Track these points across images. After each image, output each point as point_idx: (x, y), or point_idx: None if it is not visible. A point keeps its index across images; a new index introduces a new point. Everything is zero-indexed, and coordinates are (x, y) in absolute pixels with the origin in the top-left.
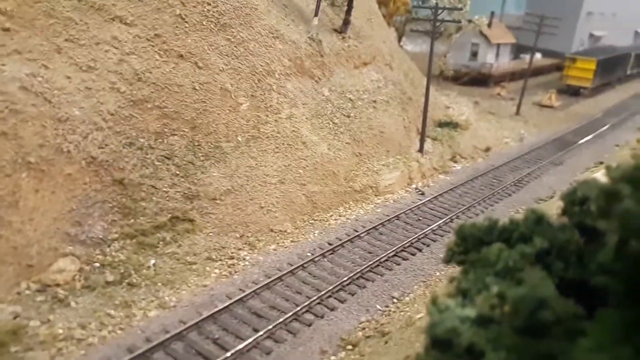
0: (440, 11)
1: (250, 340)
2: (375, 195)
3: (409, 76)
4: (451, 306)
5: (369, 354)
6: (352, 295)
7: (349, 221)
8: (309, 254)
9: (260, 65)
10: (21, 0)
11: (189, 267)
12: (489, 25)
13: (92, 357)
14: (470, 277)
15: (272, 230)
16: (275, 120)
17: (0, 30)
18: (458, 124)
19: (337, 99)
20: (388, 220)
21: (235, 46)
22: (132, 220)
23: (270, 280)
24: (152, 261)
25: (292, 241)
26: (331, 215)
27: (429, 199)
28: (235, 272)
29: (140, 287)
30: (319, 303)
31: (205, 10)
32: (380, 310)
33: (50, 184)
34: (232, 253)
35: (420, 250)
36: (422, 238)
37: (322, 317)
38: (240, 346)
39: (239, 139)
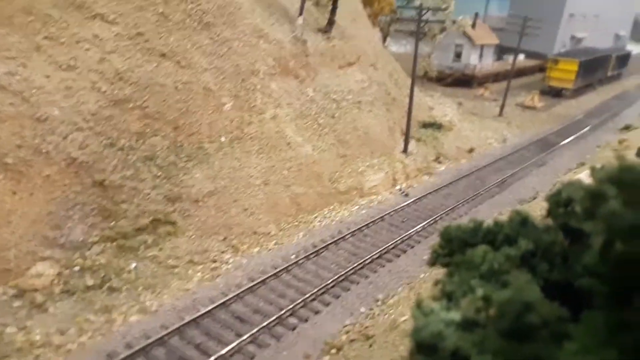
0: (424, 12)
1: (233, 345)
2: (360, 197)
3: (393, 77)
4: (436, 310)
5: (353, 357)
6: (337, 298)
7: (334, 223)
8: (293, 257)
9: (244, 65)
10: None
11: (170, 271)
12: (473, 26)
13: None
14: (455, 279)
15: (255, 233)
16: (260, 121)
17: None
18: (442, 124)
19: (321, 99)
20: (372, 221)
21: (218, 45)
22: (113, 223)
23: (253, 283)
24: (133, 265)
25: (276, 243)
26: (316, 217)
27: (413, 200)
28: (218, 275)
29: (120, 292)
30: (303, 306)
31: (189, 8)
32: (364, 313)
33: (29, 185)
34: (215, 256)
35: (404, 252)
36: (406, 240)
37: (306, 320)
38: (223, 351)
39: (222, 139)
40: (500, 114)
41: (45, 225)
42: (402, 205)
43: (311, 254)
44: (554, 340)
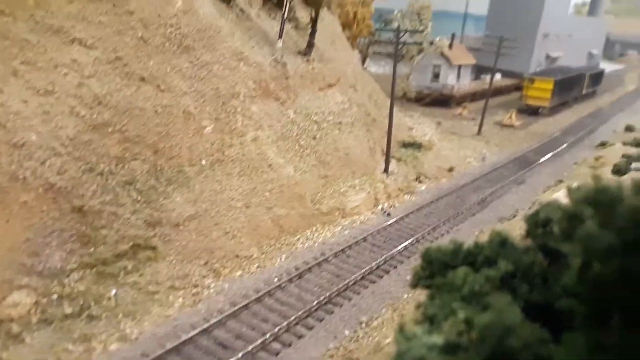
0: (402, 34)
1: None
2: (342, 217)
3: (373, 98)
4: (418, 333)
5: None
6: (320, 321)
7: (316, 244)
8: (275, 280)
9: (225, 88)
10: None
11: (151, 297)
12: (450, 46)
13: None
14: (437, 302)
15: (237, 256)
16: (240, 143)
17: None
18: (422, 144)
19: (302, 121)
20: (355, 242)
21: (198, 69)
22: (92, 249)
23: (235, 308)
24: (113, 291)
25: (258, 267)
26: (298, 239)
27: (395, 220)
28: (200, 300)
29: (100, 319)
30: (286, 331)
31: (168, 32)
32: (348, 336)
33: (5, 212)
34: (196, 281)
35: (387, 272)
36: (389, 260)
37: (289, 345)
38: None
39: (203, 162)
40: (479, 132)
41: (22, 252)
42: (385, 225)
43: (294, 276)
44: None
